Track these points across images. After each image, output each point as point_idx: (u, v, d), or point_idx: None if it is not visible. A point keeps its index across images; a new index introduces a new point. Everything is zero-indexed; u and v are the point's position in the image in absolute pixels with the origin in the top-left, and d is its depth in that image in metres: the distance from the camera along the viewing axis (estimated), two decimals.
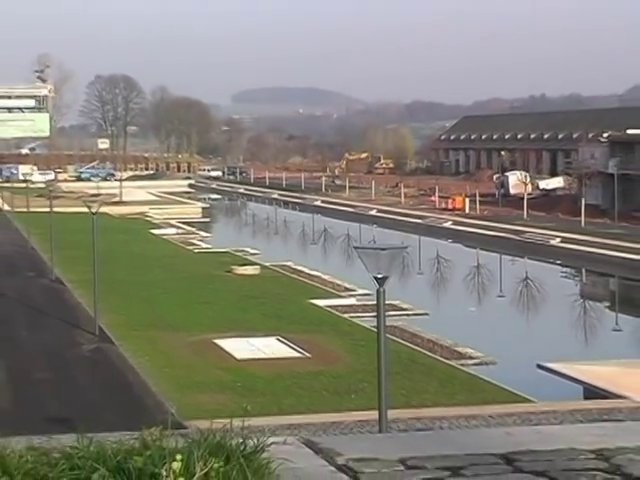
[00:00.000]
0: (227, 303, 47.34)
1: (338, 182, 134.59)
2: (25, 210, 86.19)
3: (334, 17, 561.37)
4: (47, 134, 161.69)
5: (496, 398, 30.91)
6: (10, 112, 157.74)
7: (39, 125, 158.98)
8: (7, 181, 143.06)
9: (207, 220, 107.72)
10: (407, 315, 45.44)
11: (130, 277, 52.34)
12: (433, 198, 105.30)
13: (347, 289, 53.06)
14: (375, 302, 20.38)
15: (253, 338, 38.78)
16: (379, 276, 19.13)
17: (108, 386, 31.82)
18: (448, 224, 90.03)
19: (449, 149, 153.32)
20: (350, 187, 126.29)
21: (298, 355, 36.77)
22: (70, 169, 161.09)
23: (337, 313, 46.16)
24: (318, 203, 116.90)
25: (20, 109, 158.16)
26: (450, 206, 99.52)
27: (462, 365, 36.45)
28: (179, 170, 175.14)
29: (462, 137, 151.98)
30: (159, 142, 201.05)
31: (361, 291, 48.64)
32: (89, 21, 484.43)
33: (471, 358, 37.85)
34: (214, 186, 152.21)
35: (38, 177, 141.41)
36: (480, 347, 39.01)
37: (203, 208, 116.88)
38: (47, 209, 66.56)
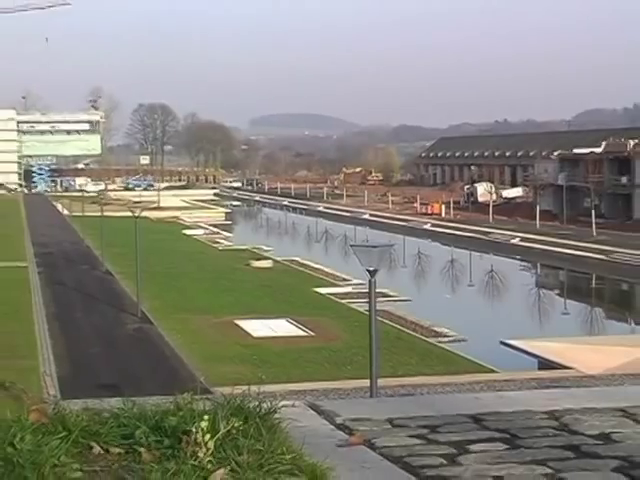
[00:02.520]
0: (245, 291, 47.34)
1: (337, 191, 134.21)
2: (80, 214, 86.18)
3: (334, 58, 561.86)
4: (99, 152, 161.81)
5: (466, 369, 30.92)
6: (69, 134, 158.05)
7: (92, 145, 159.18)
8: (66, 190, 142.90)
9: (229, 223, 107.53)
10: (394, 301, 45.42)
11: (166, 269, 52.30)
12: (415, 205, 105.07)
13: (344, 279, 53.02)
14: (367, 290, 20.40)
15: (267, 319, 38.77)
16: (371, 269, 19.14)
17: (148, 358, 31.84)
18: (427, 226, 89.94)
19: (428, 164, 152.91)
20: (347, 195, 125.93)
21: (304, 334, 36.76)
22: (117, 180, 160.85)
23: (336, 299, 46.15)
24: (320, 209, 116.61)
25: (77, 132, 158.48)
26: (429, 211, 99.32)
27: (439, 342, 36.45)
28: (206, 181, 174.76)
29: (439, 154, 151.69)
30: (190, 158, 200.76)
31: (356, 281, 48.51)
32: (134, 58, 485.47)
33: (446, 336, 37.83)
34: (235, 195, 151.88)
35: (91, 187, 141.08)
36: (453, 327, 39.00)
37: (226, 213, 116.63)
38: (98, 213, 66.56)
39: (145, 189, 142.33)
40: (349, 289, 49.16)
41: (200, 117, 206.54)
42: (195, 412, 3.22)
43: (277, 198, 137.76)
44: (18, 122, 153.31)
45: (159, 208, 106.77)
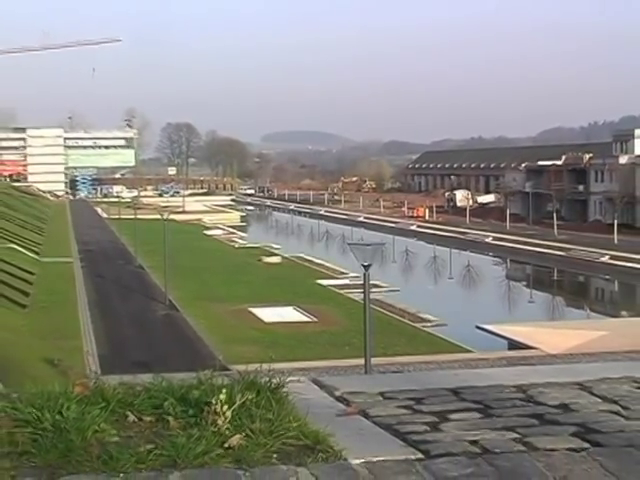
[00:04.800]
0: (258, 283, 47.31)
1: (336, 197, 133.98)
2: (117, 217, 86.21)
3: (335, 83, 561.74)
4: (133, 164, 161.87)
5: (447, 349, 30.91)
6: (107, 149, 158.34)
7: (127, 158, 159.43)
8: (105, 196, 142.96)
9: (244, 224, 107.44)
10: (385, 291, 45.40)
11: (189, 264, 52.30)
12: (403, 209, 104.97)
13: (342, 273, 52.98)
14: (362, 282, 20.39)
15: (276, 307, 38.74)
16: (365, 264, 19.14)
17: (175, 340, 31.83)
18: (413, 227, 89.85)
19: (414, 174, 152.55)
20: (345, 201, 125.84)
21: (308, 319, 36.73)
22: (149, 188, 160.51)
23: (336, 290, 46.10)
24: (322, 212, 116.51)
25: (114, 147, 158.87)
26: (415, 214, 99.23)
27: (423, 326, 36.41)
28: (224, 189, 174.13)
29: (424, 166, 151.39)
30: (210, 169, 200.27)
31: (352, 274, 48.55)
32: (163, 83, 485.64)
33: (429, 321, 37.79)
34: (249, 200, 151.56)
35: (126, 194, 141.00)
36: (436, 314, 38.97)
37: (241, 216, 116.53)
38: (132, 216, 66.57)
39: (172, 195, 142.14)
40: (347, 281, 49.14)
41: (219, 134, 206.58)
42: (215, 386, 3.22)
43: (285, 203, 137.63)
44: (65, 139, 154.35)
45: (184, 212, 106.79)
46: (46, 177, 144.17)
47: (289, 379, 3.47)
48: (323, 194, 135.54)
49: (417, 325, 36.32)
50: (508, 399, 3.62)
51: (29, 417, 2.92)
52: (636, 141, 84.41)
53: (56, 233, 72.02)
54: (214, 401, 3.04)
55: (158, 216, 53.60)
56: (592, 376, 3.98)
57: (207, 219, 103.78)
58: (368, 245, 20.15)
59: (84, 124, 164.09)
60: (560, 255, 63.82)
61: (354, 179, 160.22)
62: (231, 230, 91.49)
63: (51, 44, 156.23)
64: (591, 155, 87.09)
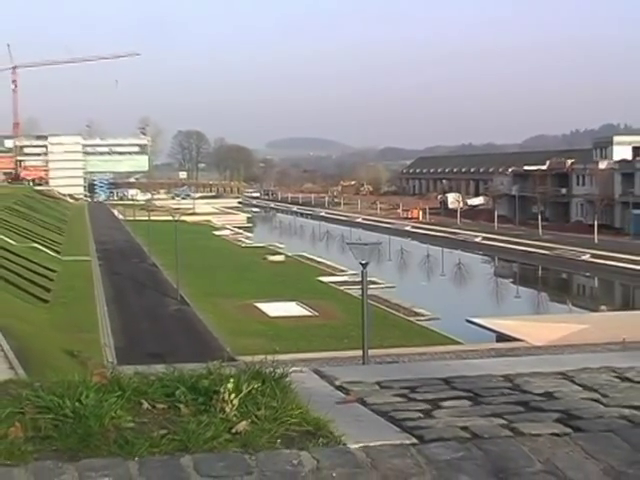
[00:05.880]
0: (263, 280, 47.33)
1: (336, 200, 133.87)
2: (132, 219, 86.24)
3: (335, 96, 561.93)
4: (146, 169, 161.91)
5: (439, 341, 30.92)
6: (122, 155, 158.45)
7: (141, 163, 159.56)
8: (121, 199, 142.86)
9: (250, 225, 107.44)
10: (381, 288, 45.41)
11: (199, 262, 52.36)
12: (398, 211, 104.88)
13: (342, 271, 53.00)
14: (360, 279, 20.38)
15: (280, 302, 38.75)
16: (363, 262, 19.13)
17: (186, 333, 31.85)
18: (408, 227, 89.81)
19: (409, 178, 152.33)
20: (344, 203, 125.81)
21: (310, 314, 36.75)
22: (161, 192, 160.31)
23: (335, 286, 46.12)
24: (323, 214, 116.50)
25: (129, 153, 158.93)
26: (409, 216, 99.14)
27: (417, 320, 36.41)
28: (231, 192, 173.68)
29: (417, 170, 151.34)
30: (219, 173, 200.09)
31: (351, 272, 48.56)
32: (176, 93, 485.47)
33: (423, 315, 37.79)
34: (254, 202, 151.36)
35: (141, 197, 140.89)
36: (429, 308, 38.96)
37: (247, 217, 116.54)
38: (146, 218, 66.59)
39: (183, 198, 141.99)
40: (345, 278, 49.16)
41: (227, 141, 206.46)
42: (223, 376, 3.23)
43: (288, 205, 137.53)
44: (83, 145, 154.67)
45: (194, 213, 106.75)
46: (66, 181, 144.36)
47: (292, 369, 3.47)
48: (324, 197, 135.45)
49: (411, 319, 36.33)
50: (496, 388, 3.62)
51: (51, 404, 2.94)
52: (614, 147, 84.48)
53: (76, 233, 72.05)
54: (222, 390, 3.04)
55: (170, 217, 53.61)
56: (574, 366, 3.99)
57: (216, 220, 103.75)
58: (366, 245, 20.15)
59: (101, 132, 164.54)
60: (544, 254, 63.81)
61: (353, 183, 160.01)
62: (238, 230, 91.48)
63: (73, 58, 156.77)
64: (573, 160, 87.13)
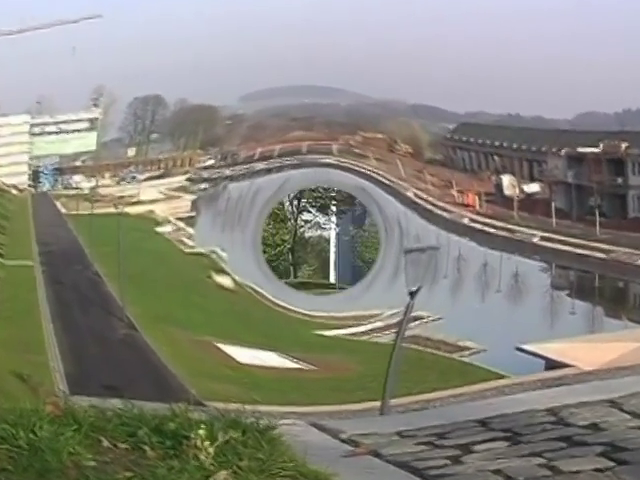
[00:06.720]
0: (215, 310, 48.46)
1: (357, 151, 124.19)
2: (75, 212, 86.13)
3: (344, 30, 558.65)
4: (94, 148, 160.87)
5: (482, 377, 30.96)
6: (69, 134, 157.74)
7: (89, 141, 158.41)
8: (65, 188, 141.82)
9: (193, 214, 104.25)
10: (425, 322, 44.84)
11: (142, 273, 51.96)
12: (452, 191, 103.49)
13: (370, 316, 53.68)
14: (401, 318, 19.44)
15: (250, 349, 39.11)
16: (413, 289, 17.54)
17: (141, 365, 32.28)
18: (465, 220, 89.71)
19: (456, 147, 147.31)
20: (376, 158, 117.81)
21: (302, 367, 36.60)
22: (107, 176, 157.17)
23: (353, 338, 46.29)
24: (329, 161, 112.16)
25: (78, 131, 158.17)
26: (465, 201, 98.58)
27: (460, 356, 36.36)
28: (182, 166, 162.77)
29: (464, 139, 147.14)
30: (173, 144, 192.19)
31: (388, 312, 47.33)
32: (138, 56, 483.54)
33: (468, 349, 37.68)
34: (205, 176, 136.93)
35: (85, 184, 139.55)
36: (478, 338, 38.94)
37: (192, 201, 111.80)
38: (89, 211, 67.11)
39: (128, 182, 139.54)
40: (377, 324, 49.24)
41: (190, 102, 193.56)
42: (192, 420, 3.28)
43: (253, 165, 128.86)
44: (31, 125, 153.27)
45: (139, 202, 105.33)
46: (11, 169, 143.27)
47: (282, 422, 3.46)
48: (329, 144, 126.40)
49: (454, 355, 36.33)
50: (538, 424, 3.70)
51: (4, 434, 3.04)
52: None
53: (18, 232, 72.39)
54: (193, 435, 3.10)
55: (114, 210, 54.14)
56: (623, 392, 4.09)
57: (159, 210, 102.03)
58: (423, 250, 18.91)
59: (52, 109, 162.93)
60: (601, 258, 63.83)
61: (380, 136, 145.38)
62: (180, 225, 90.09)
63: (27, 27, 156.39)
64: (627, 145, 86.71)
